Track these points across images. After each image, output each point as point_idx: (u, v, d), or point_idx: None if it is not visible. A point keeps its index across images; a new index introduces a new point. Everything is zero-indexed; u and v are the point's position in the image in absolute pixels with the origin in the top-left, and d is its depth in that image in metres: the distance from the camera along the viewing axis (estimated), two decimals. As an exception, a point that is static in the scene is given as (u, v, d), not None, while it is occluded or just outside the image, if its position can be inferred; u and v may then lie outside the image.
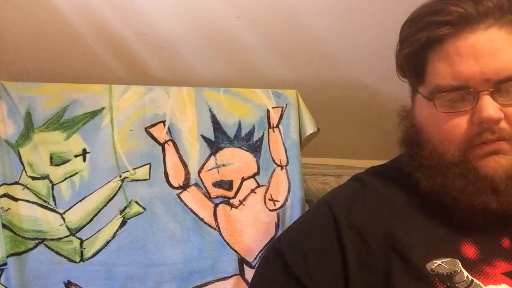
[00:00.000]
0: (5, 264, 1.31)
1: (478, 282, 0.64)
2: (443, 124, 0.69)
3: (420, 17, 0.71)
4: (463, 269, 0.65)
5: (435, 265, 0.64)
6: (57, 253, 1.35)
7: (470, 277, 0.64)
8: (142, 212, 1.41)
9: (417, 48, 0.70)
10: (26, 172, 1.40)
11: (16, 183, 1.39)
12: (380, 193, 0.78)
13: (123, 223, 1.40)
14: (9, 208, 1.35)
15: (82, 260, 1.36)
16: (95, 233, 1.38)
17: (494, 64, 0.64)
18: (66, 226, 1.37)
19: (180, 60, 1.70)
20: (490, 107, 0.65)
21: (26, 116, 1.43)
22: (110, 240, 1.38)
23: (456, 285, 0.63)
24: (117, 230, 1.39)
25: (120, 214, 1.40)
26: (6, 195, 1.36)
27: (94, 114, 1.47)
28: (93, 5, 1.47)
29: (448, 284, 0.64)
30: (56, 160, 1.42)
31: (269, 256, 0.81)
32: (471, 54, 0.64)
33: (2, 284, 1.30)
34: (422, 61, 0.70)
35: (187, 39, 1.62)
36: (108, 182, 1.42)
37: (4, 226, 1.33)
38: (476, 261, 0.67)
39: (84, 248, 1.36)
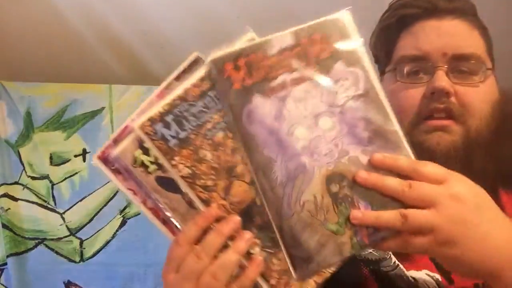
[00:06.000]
0: (5, 264, 1.31)
1: (402, 267, 0.70)
2: (401, 96, 0.76)
3: (397, 1, 0.82)
4: (392, 256, 0.71)
5: (366, 252, 0.69)
6: (57, 253, 1.35)
7: (397, 263, 0.70)
8: (142, 212, 1.42)
9: (391, 23, 0.79)
10: (26, 172, 1.40)
11: (16, 183, 1.39)
12: None
13: (123, 223, 1.40)
14: (9, 208, 1.35)
15: (82, 260, 1.36)
16: (95, 233, 1.38)
17: (453, 42, 0.72)
18: (66, 226, 1.37)
19: (180, 59, 1.69)
20: (443, 79, 0.72)
21: (26, 116, 1.43)
22: (110, 240, 1.38)
23: (382, 269, 0.70)
24: (117, 230, 1.39)
25: (120, 214, 1.40)
26: (6, 195, 1.36)
27: (94, 114, 1.47)
28: (93, 6, 1.47)
29: (371, 267, 0.70)
30: (56, 160, 1.42)
31: None
32: (435, 32, 0.74)
33: (2, 284, 1.31)
34: (393, 38, 0.79)
35: (187, 39, 1.62)
36: (108, 182, 1.42)
37: (4, 226, 1.33)
38: None
39: (84, 248, 1.37)
